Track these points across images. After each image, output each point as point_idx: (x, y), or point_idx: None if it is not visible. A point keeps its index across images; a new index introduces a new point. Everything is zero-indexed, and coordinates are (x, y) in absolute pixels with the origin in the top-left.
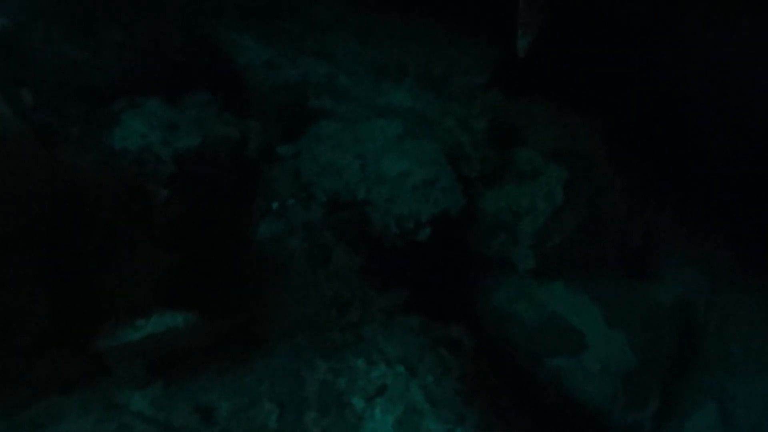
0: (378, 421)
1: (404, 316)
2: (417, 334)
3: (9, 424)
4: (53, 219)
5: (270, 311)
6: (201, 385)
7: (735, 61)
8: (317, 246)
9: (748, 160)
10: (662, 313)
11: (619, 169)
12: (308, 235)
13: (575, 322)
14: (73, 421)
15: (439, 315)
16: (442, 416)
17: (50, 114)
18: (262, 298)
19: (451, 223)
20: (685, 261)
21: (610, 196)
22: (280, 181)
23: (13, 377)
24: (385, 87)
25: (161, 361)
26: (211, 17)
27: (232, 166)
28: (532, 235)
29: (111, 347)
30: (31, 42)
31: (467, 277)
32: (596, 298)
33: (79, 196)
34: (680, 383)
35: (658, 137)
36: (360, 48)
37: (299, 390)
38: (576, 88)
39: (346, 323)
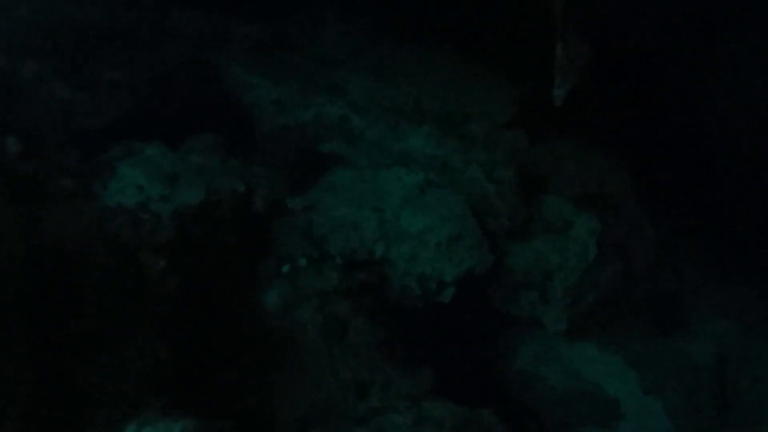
0: None
1: (430, 401)
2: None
3: None
4: (34, 298)
5: (278, 400)
6: None
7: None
8: (332, 318)
9: None
10: (697, 373)
11: (649, 215)
12: (322, 305)
13: (609, 387)
14: None
15: (466, 395)
16: None
17: (39, 164)
18: (270, 385)
19: (477, 282)
20: (716, 309)
21: (640, 245)
22: (290, 238)
23: None
24: (403, 130)
25: None
26: (218, 49)
27: (237, 224)
28: (563, 294)
29: None
30: (21, 81)
31: (493, 339)
32: (630, 359)
33: (65, 271)
34: None
35: (688, 182)
36: (375, 85)
37: None
38: (603, 130)
39: (366, 411)
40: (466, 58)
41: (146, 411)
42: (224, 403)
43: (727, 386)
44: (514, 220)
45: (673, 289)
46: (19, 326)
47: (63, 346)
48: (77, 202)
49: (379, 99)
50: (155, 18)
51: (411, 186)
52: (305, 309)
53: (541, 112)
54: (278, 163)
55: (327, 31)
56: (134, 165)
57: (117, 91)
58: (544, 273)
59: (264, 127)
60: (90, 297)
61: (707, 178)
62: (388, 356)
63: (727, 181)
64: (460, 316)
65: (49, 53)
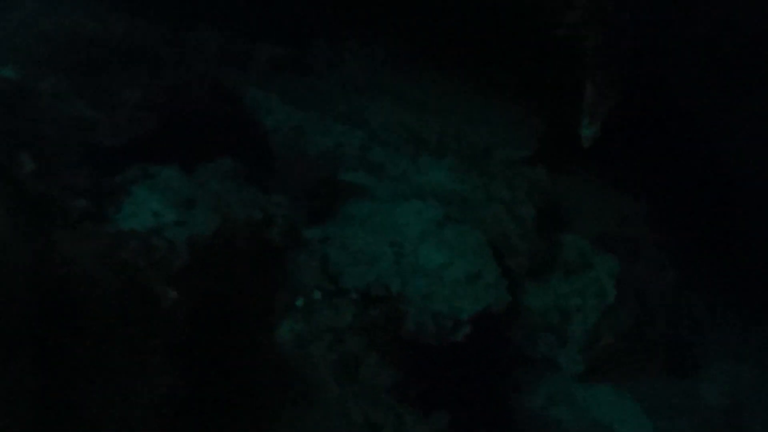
0: None
1: None
2: None
3: None
4: (40, 322)
5: None
6: None
7: None
8: (345, 355)
9: None
10: (711, 417)
11: (667, 256)
12: (336, 341)
13: (622, 431)
14: None
15: None
16: None
17: (52, 183)
18: (278, 424)
19: (493, 322)
20: (731, 353)
21: (658, 287)
22: (305, 270)
23: None
24: (424, 162)
25: None
26: (239, 70)
27: (252, 253)
28: (581, 336)
29: None
30: (37, 97)
31: (508, 380)
32: (644, 403)
33: (74, 296)
34: None
35: (708, 223)
36: (396, 114)
37: None
38: (624, 168)
39: None
40: (487, 88)
41: None
42: None
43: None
44: (534, 259)
45: (689, 331)
46: (24, 352)
47: (69, 374)
48: (89, 225)
49: (400, 128)
50: (176, 36)
51: (430, 220)
52: (318, 345)
53: (562, 148)
54: (296, 191)
55: (348, 56)
56: (150, 188)
57: (135, 111)
58: (563, 314)
59: (283, 152)
60: (98, 325)
61: (726, 220)
62: (402, 397)
63: (745, 225)
64: (474, 355)
65: (67, 69)
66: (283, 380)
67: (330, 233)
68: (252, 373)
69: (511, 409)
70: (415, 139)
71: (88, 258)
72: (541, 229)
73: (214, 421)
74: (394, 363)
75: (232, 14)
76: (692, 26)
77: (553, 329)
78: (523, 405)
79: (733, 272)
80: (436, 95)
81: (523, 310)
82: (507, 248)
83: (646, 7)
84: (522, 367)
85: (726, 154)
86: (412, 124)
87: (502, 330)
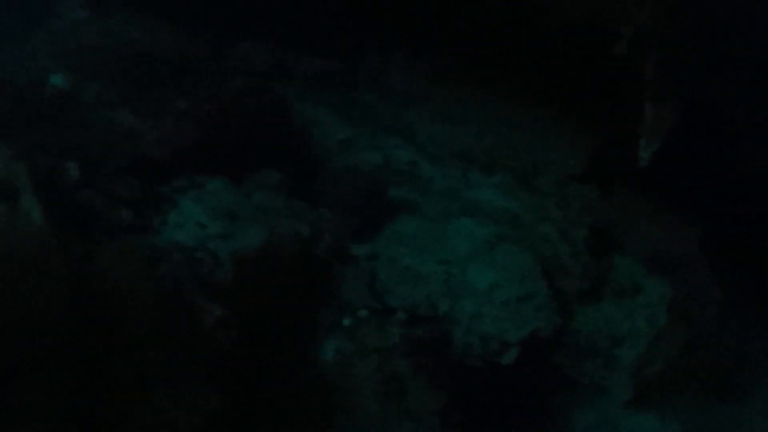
0: None
1: None
2: None
3: None
4: (82, 341)
5: None
6: None
7: None
8: (391, 377)
9: None
10: None
11: (717, 278)
12: (381, 363)
13: None
14: None
15: None
16: None
17: (97, 193)
18: None
19: (541, 345)
20: None
21: (708, 310)
22: (352, 287)
23: None
24: (473, 179)
25: None
26: (285, 83)
27: (299, 269)
28: (631, 362)
29: None
30: (85, 106)
31: (553, 404)
32: (690, 430)
33: (114, 309)
34: None
35: (758, 245)
36: (443, 129)
37: None
38: (676, 188)
39: None
40: (535, 102)
41: None
42: None
43: None
44: (586, 282)
45: (737, 356)
46: (63, 369)
47: (109, 392)
48: (133, 238)
49: (448, 143)
50: (223, 48)
51: (480, 239)
52: (363, 366)
53: (613, 166)
54: (344, 206)
55: (395, 69)
56: (196, 199)
57: (182, 121)
58: (613, 339)
59: (331, 166)
60: (140, 342)
61: None
62: (446, 421)
63: None
64: (521, 378)
65: (115, 78)
66: (326, 401)
67: (378, 250)
68: (295, 393)
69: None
70: (463, 154)
71: (129, 270)
72: (593, 250)
73: None
74: (440, 386)
75: (279, 28)
76: (750, 44)
77: (601, 353)
78: (566, 430)
79: None
80: (482, 109)
81: (571, 333)
82: (558, 269)
83: (703, 26)
84: (568, 391)
85: None
86: (459, 139)
87: (549, 353)
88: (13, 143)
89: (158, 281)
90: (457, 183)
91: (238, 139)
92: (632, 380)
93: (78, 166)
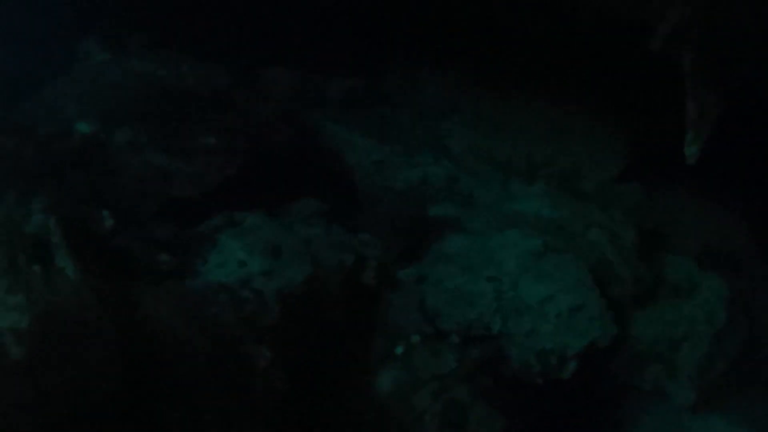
0: None
1: None
2: None
3: None
4: (131, 393)
5: None
6: None
7: None
8: (451, 405)
9: None
10: None
11: None
12: (440, 390)
13: None
14: None
15: None
16: None
17: (133, 238)
18: None
19: (599, 355)
20: None
21: (764, 303)
22: (402, 313)
23: None
24: (515, 189)
25: None
26: (314, 107)
27: (346, 300)
28: (691, 365)
29: None
30: (115, 150)
31: (614, 413)
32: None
33: (161, 358)
34: None
35: None
36: (479, 140)
37: None
38: (721, 182)
39: None
40: (569, 104)
41: None
42: None
43: None
44: (639, 285)
45: None
46: (111, 421)
47: None
48: (175, 282)
49: (485, 154)
50: (247, 77)
51: (527, 252)
52: (422, 395)
53: (654, 164)
54: (386, 230)
55: (423, 83)
56: (235, 236)
57: (213, 157)
58: (671, 342)
59: (368, 189)
60: (189, 389)
61: None
62: None
63: None
64: (579, 390)
65: (141, 118)
66: None
67: (425, 272)
68: (354, 430)
69: None
70: (501, 165)
71: (174, 316)
72: (643, 253)
73: None
74: (500, 408)
75: (302, 50)
76: None
77: (660, 358)
78: None
79: None
80: (515, 117)
81: (628, 340)
82: (609, 275)
83: (745, 15)
84: (629, 399)
85: None
86: (496, 149)
87: (607, 362)
88: (43, 196)
89: (205, 326)
90: (499, 195)
91: (272, 169)
92: (694, 383)
93: (112, 213)
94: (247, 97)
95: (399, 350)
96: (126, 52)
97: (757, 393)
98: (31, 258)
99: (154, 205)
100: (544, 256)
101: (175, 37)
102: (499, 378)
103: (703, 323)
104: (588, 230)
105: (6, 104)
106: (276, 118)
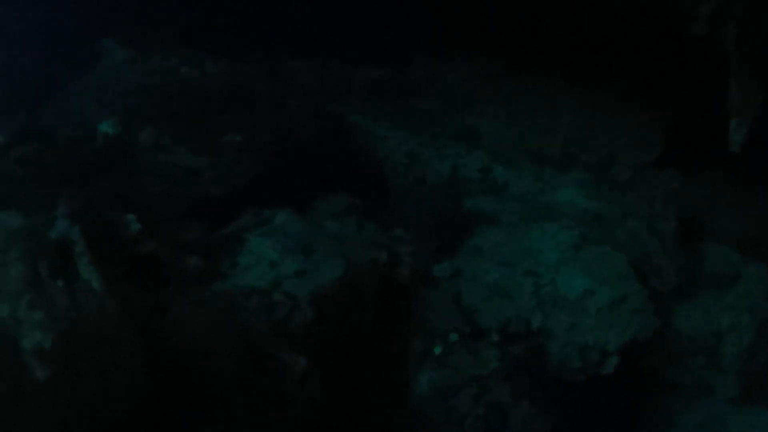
0: None
1: None
2: None
3: None
4: (163, 407)
5: None
6: None
7: None
8: (492, 408)
9: None
10: None
11: None
12: (481, 392)
13: None
14: None
15: None
16: None
17: (161, 242)
18: None
19: (641, 349)
20: None
21: None
22: (439, 311)
23: None
24: (549, 179)
25: None
26: (340, 99)
27: (381, 299)
28: (736, 357)
29: None
30: (138, 149)
31: (654, 408)
32: None
33: (196, 374)
34: None
35: None
36: (509, 128)
37: None
38: (761, 167)
39: None
40: (598, 94)
41: None
42: None
43: None
44: (680, 276)
45: None
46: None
47: None
48: (204, 287)
49: (518, 144)
50: (271, 71)
51: (565, 244)
52: (462, 398)
53: (689, 151)
54: (418, 224)
55: (450, 71)
56: (264, 236)
57: (240, 154)
58: (714, 334)
59: (399, 183)
60: (225, 402)
61: None
62: None
63: None
64: (620, 385)
65: (166, 117)
66: None
67: (460, 267)
68: None
69: None
70: (534, 154)
71: (204, 324)
72: (684, 242)
73: None
74: (542, 407)
75: (327, 42)
76: None
77: (703, 351)
78: None
79: None
80: (545, 104)
81: (670, 333)
82: (650, 267)
83: None
84: (670, 393)
85: None
86: (528, 138)
87: (649, 356)
88: (67, 201)
89: (236, 334)
90: (533, 185)
91: (300, 165)
92: (738, 376)
93: (137, 217)
94: (272, 91)
95: (437, 350)
96: (148, 49)
97: None
98: (55, 270)
99: (181, 206)
100: (582, 248)
101: (197, 33)
102: (539, 376)
103: (746, 314)
104: (625, 220)
105: (28, 106)
106: (302, 113)
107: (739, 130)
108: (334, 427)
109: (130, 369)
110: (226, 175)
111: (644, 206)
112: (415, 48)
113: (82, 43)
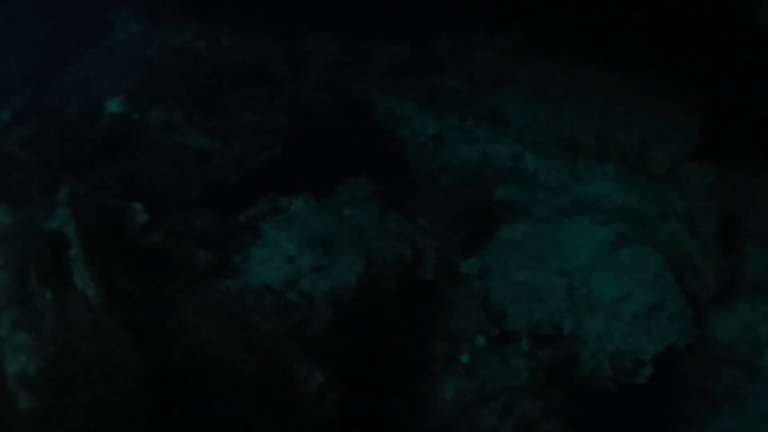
0: None
1: None
2: None
3: None
4: (161, 412)
5: None
6: None
7: None
8: (522, 422)
9: None
10: None
11: None
12: (509, 406)
13: None
14: None
15: None
16: None
17: (169, 234)
18: None
19: (676, 358)
20: None
21: None
22: (465, 313)
23: None
24: (584, 170)
25: None
26: (362, 76)
27: (403, 300)
28: None
29: None
30: (148, 131)
31: (686, 419)
32: None
33: (199, 379)
34: None
35: None
36: (540, 112)
37: None
38: None
39: None
40: (633, 74)
41: None
42: None
43: None
44: (720, 281)
45: None
46: None
47: None
48: (214, 284)
49: (548, 129)
50: (290, 46)
51: (601, 242)
52: (489, 412)
53: (726, 138)
54: (445, 215)
55: (477, 48)
56: (280, 225)
57: (256, 136)
58: (752, 345)
59: (423, 168)
60: (230, 415)
61: None
62: None
63: None
64: (652, 394)
65: (177, 96)
66: None
67: (489, 264)
68: None
69: None
70: (567, 142)
71: (213, 327)
72: (725, 244)
73: None
74: (573, 423)
75: (349, 15)
76: None
77: (740, 362)
78: None
79: None
80: (578, 85)
81: (706, 342)
82: (689, 270)
83: None
84: (703, 403)
85: None
86: (559, 122)
87: (684, 365)
88: (70, 186)
89: (248, 340)
90: (567, 176)
91: (320, 147)
92: None
93: (144, 206)
94: (290, 69)
95: (464, 359)
96: (160, 22)
97: None
98: (45, 276)
99: (192, 192)
100: (618, 247)
101: (212, 5)
102: (569, 385)
103: None
104: (666, 219)
105: (37, 81)
106: (321, 91)
107: None
108: None
109: (130, 392)
110: (240, 158)
111: (683, 203)
112: (440, 22)
113: (96, 14)
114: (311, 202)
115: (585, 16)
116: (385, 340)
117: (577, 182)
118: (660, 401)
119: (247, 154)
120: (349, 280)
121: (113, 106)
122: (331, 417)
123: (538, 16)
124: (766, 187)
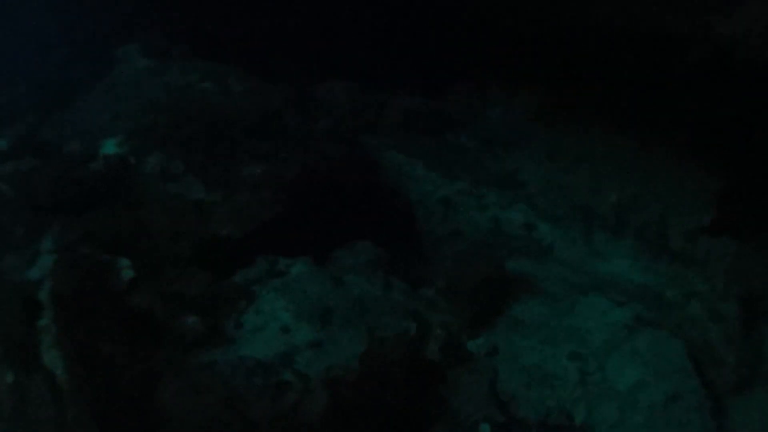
0: None
1: None
2: None
3: None
4: None
5: None
6: None
7: None
8: None
9: None
10: None
11: None
12: None
13: None
14: None
15: None
16: None
17: (156, 296)
18: None
19: None
20: None
21: None
22: (470, 395)
23: None
24: (600, 244)
25: None
26: (373, 130)
27: (406, 381)
28: None
29: None
30: (143, 177)
31: None
32: None
33: None
34: None
35: None
36: (555, 176)
37: None
38: None
39: None
40: (649, 143)
41: None
42: None
43: None
44: (741, 369)
45: None
46: None
47: None
48: (202, 358)
49: (563, 195)
50: (301, 95)
51: (617, 324)
52: None
53: (744, 211)
54: (453, 284)
55: (490, 106)
56: (278, 290)
57: (258, 190)
58: None
59: (433, 232)
60: None
61: None
62: None
63: None
64: None
65: (179, 141)
66: None
67: (497, 343)
68: None
69: None
70: (583, 211)
71: (198, 416)
72: (747, 330)
73: None
74: None
75: (361, 65)
76: None
77: None
78: None
79: None
80: (593, 149)
81: None
82: (710, 358)
83: None
84: None
85: None
86: (575, 190)
87: None
88: (55, 233)
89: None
90: (582, 250)
91: (324, 206)
92: None
93: (132, 262)
94: (299, 117)
95: None
96: (168, 60)
97: None
98: (11, 350)
99: (186, 248)
100: (636, 331)
101: (224, 47)
102: None
103: None
104: (685, 300)
105: (40, 108)
106: (331, 144)
107: None
108: None
109: None
110: (240, 214)
111: (704, 284)
112: (454, 76)
113: (104, 48)
114: (312, 266)
115: (602, 79)
116: (385, 427)
117: (594, 257)
118: None
119: (248, 209)
120: (349, 359)
121: (109, 147)
122: None
123: (556, 75)
124: None
